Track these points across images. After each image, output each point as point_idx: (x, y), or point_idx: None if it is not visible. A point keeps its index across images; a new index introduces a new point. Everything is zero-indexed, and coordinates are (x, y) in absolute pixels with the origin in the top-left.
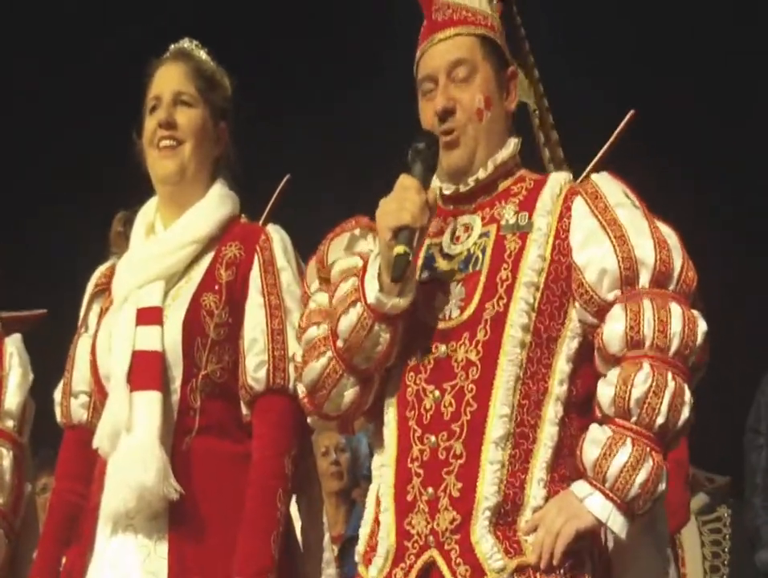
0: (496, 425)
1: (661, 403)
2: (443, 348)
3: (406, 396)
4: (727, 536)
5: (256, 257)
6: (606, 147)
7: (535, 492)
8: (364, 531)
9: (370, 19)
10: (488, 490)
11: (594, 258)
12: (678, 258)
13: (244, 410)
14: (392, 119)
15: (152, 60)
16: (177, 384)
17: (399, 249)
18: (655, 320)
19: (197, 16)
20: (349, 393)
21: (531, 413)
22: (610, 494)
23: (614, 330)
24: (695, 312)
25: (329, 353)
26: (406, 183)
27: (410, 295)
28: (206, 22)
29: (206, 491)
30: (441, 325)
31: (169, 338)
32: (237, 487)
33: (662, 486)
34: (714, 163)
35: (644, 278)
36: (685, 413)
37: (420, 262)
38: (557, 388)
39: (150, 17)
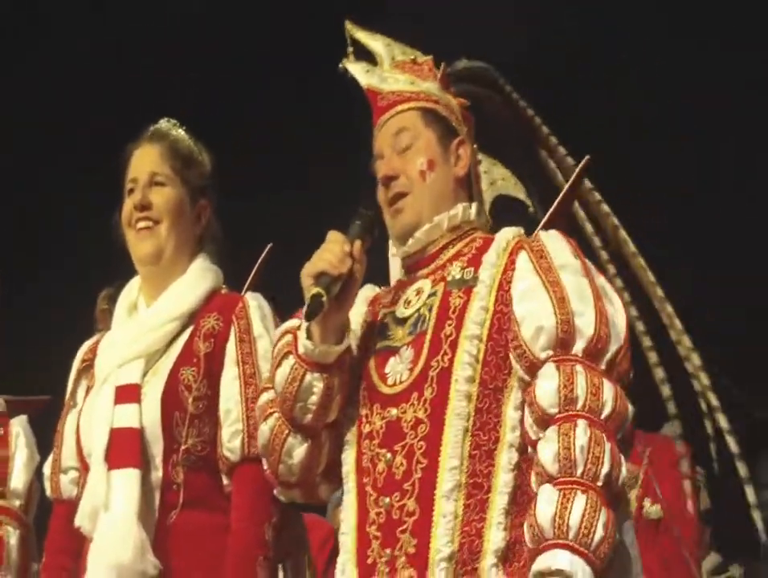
0: (446, 478)
1: (603, 453)
2: (393, 411)
3: (362, 463)
4: None
5: (233, 326)
6: (560, 196)
7: (494, 536)
8: None
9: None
10: (440, 542)
11: (532, 313)
12: (616, 342)
13: (225, 481)
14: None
15: (127, 144)
16: (158, 460)
17: (314, 290)
18: (587, 384)
19: (179, 95)
20: (298, 453)
21: (483, 462)
22: (576, 546)
23: (547, 387)
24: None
25: (276, 414)
26: (330, 237)
27: (342, 345)
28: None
29: (192, 565)
30: (392, 390)
31: (147, 415)
32: (222, 559)
33: (618, 535)
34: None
35: (579, 347)
36: (623, 472)
37: (376, 331)
38: (510, 434)
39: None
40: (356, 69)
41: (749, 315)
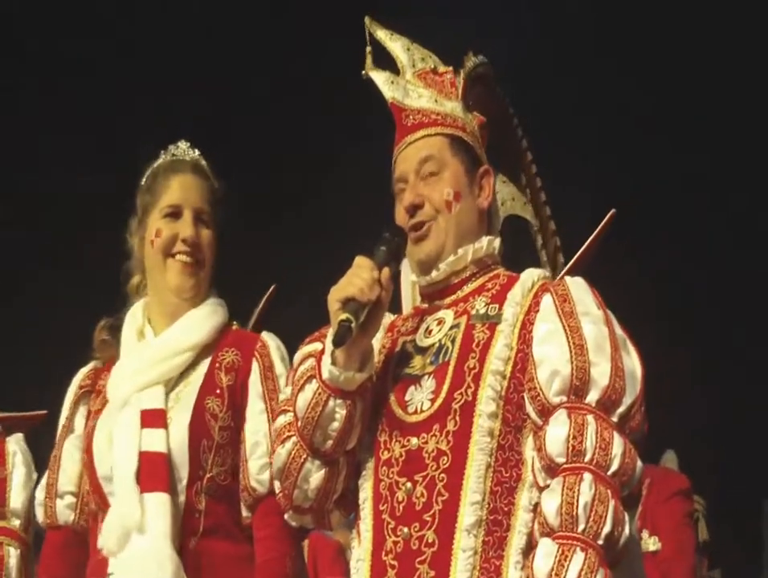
0: (468, 513)
1: (607, 511)
2: (414, 440)
3: (380, 490)
4: None
5: (255, 363)
6: (585, 245)
7: (512, 574)
8: None
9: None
10: (460, 577)
11: (550, 357)
12: (630, 395)
13: (244, 512)
14: (377, 225)
15: (160, 162)
16: (182, 485)
17: (342, 315)
18: (597, 437)
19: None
20: (315, 479)
21: (504, 499)
22: None
23: (556, 435)
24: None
25: (294, 438)
26: (358, 262)
27: (365, 372)
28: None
29: None
30: (413, 418)
31: (175, 440)
32: None
33: None
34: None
35: (592, 397)
36: (626, 531)
37: (395, 358)
38: (531, 474)
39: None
40: (379, 79)
41: None
